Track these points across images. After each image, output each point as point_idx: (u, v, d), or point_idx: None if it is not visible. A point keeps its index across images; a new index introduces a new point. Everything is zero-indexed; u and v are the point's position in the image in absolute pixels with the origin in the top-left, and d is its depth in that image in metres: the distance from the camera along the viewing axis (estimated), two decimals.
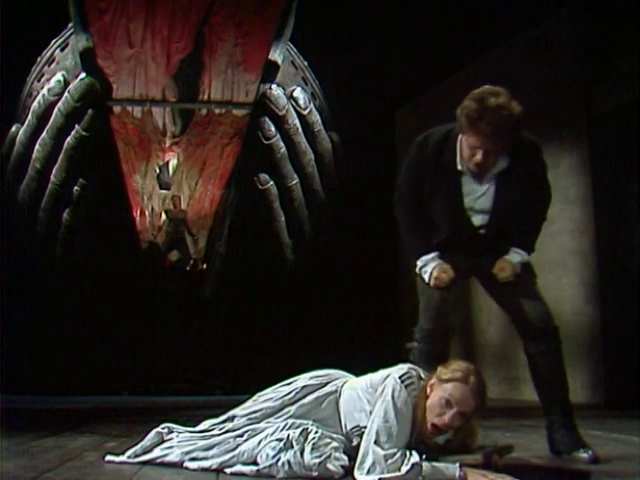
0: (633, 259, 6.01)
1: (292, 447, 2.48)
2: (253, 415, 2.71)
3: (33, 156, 9.36)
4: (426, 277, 2.95)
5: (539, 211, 3.08)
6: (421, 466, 2.32)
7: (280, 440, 2.51)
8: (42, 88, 9.42)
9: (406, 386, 2.48)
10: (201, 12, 9.82)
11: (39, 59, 9.40)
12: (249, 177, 9.83)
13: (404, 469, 2.31)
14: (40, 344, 8.42)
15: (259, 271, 9.37)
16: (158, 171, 10.02)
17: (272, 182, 9.82)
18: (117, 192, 9.56)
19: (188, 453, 2.67)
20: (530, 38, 7.13)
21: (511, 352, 6.23)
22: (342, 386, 2.70)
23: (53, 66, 9.47)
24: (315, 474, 2.42)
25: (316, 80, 9.89)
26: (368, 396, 2.56)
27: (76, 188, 9.43)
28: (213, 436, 2.70)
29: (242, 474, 2.51)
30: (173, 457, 2.69)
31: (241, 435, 2.64)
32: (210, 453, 2.63)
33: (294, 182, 9.81)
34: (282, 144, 9.77)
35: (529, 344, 3.02)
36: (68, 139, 9.40)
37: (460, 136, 2.88)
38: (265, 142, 9.80)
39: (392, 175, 9.26)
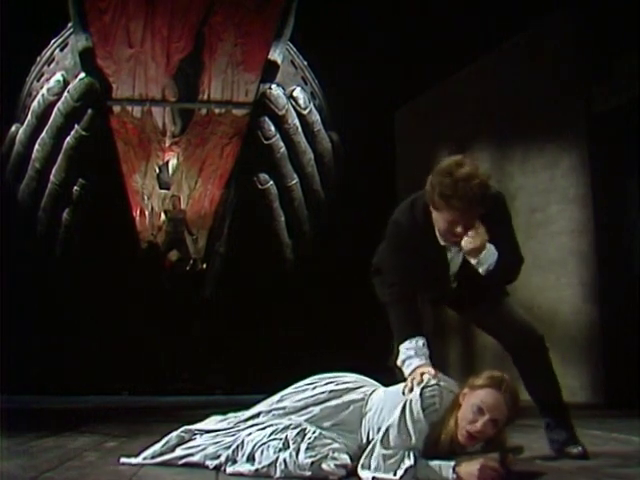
0: (633, 259, 6.01)
1: (289, 447, 2.48)
2: (277, 412, 2.70)
3: (33, 156, 9.37)
4: (406, 373, 2.74)
5: (507, 274, 2.93)
6: (415, 469, 2.32)
7: (280, 440, 2.51)
8: (42, 88, 9.42)
9: (426, 397, 2.46)
10: (201, 12, 9.82)
11: (39, 59, 9.41)
12: (249, 177, 9.84)
13: (399, 473, 2.31)
14: (40, 344, 8.41)
15: (259, 271, 9.37)
16: (158, 171, 10.02)
17: (272, 182, 9.82)
18: (117, 192, 9.56)
19: (214, 454, 2.66)
20: (530, 38, 7.13)
21: None
22: (370, 394, 2.68)
23: (53, 66, 9.47)
24: (308, 474, 2.42)
25: (316, 80, 9.90)
26: (395, 405, 2.54)
27: (76, 188, 9.44)
28: (239, 431, 2.68)
29: (240, 474, 2.51)
30: (198, 458, 2.67)
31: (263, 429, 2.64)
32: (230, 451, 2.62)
33: (294, 182, 9.82)
34: (282, 144, 9.78)
35: (517, 357, 3.03)
36: (68, 139, 9.41)
37: (433, 212, 2.79)
38: (265, 142, 9.80)
39: (392, 175, 9.29)
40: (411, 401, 2.46)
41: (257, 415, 2.74)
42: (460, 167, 2.66)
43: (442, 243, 2.86)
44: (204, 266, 9.96)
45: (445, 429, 2.45)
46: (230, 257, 9.68)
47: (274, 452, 2.48)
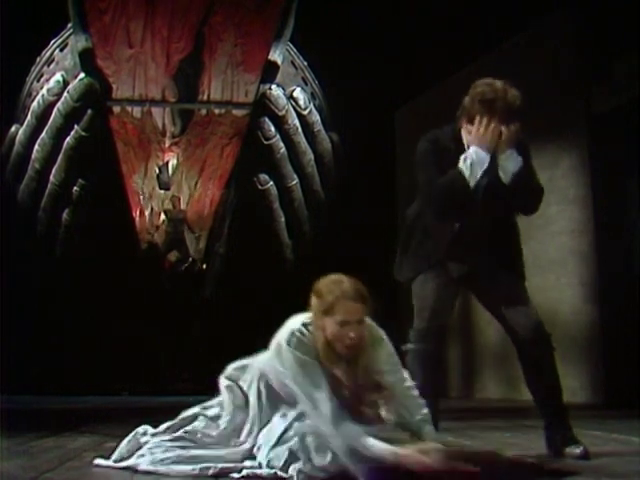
0: (632, 259, 6.01)
1: (299, 459, 2.42)
2: (223, 428, 2.64)
3: (32, 156, 9.37)
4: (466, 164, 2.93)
5: (528, 196, 3.11)
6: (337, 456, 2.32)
7: (286, 446, 2.46)
8: (41, 88, 9.43)
9: (293, 345, 2.51)
10: (201, 12, 9.82)
11: (38, 59, 9.40)
12: (249, 177, 9.84)
13: (327, 458, 2.33)
14: (40, 344, 8.41)
15: (259, 271, 9.36)
16: (158, 171, 10.02)
17: (272, 182, 9.82)
18: (116, 192, 9.56)
19: (162, 461, 2.55)
20: (530, 38, 7.13)
21: (511, 352, 6.20)
22: (260, 361, 2.69)
23: (52, 66, 9.47)
24: (332, 469, 2.37)
25: (316, 80, 9.89)
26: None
27: (75, 188, 9.44)
28: (187, 447, 2.59)
29: (257, 476, 2.44)
30: (146, 465, 2.58)
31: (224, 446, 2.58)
32: (194, 463, 2.52)
33: (294, 182, 9.81)
34: (282, 144, 9.78)
35: (523, 352, 3.06)
36: (67, 139, 9.41)
37: (466, 128, 3.00)
38: (265, 142, 9.80)
39: (392, 175, 9.27)
40: (284, 360, 2.51)
41: (191, 418, 2.72)
42: (496, 82, 2.99)
43: None
44: (204, 266, 9.96)
45: (328, 355, 2.48)
46: (230, 257, 9.68)
47: (283, 462, 2.43)
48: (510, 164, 2.95)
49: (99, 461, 2.75)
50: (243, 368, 2.76)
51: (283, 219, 9.81)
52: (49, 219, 9.40)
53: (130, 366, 8.56)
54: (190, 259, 10.06)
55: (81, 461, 2.91)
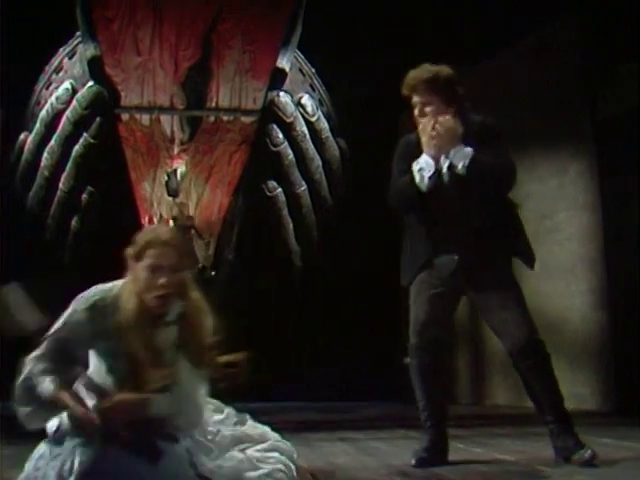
0: None
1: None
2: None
3: (41, 164, 9.40)
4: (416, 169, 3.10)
5: (493, 173, 3.13)
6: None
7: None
8: (50, 96, 9.46)
9: (81, 304, 2.37)
10: (209, 19, 9.85)
11: (47, 67, 9.44)
12: (257, 184, 9.84)
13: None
14: None
15: (267, 277, 9.36)
16: (166, 178, 10.03)
17: (280, 189, 9.83)
18: (125, 199, 9.58)
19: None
20: (534, 43, 7.11)
21: None
22: None
23: (61, 74, 9.51)
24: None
25: (323, 87, 9.90)
26: None
27: (84, 195, 9.47)
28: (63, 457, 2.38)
29: None
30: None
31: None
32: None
33: (302, 189, 9.82)
34: (290, 151, 9.79)
35: (516, 360, 3.02)
36: (76, 147, 9.44)
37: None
38: (273, 149, 9.81)
39: None
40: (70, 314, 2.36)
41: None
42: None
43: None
44: (213, 273, 9.96)
45: (136, 310, 2.32)
46: (239, 264, 9.68)
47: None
48: (458, 160, 3.06)
49: None
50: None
51: (291, 225, 9.82)
52: (58, 226, 9.43)
53: None
54: (199, 266, 10.06)
55: None
